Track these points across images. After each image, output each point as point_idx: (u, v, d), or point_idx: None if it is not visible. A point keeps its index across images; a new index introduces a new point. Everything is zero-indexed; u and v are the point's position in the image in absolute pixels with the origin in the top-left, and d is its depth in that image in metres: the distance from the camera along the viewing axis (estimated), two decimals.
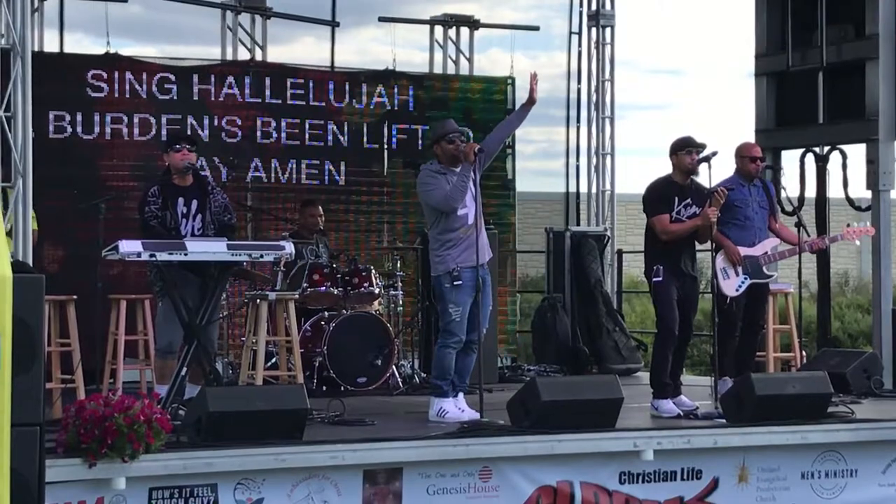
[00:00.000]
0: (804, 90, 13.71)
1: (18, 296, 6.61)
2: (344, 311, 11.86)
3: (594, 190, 15.48)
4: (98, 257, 9.24)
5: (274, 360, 11.41)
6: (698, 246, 10.33)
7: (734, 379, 10.37)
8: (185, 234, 9.52)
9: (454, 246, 9.57)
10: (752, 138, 13.84)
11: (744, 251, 10.74)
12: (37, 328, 6.86)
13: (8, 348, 6.56)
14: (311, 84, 13.98)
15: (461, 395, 9.69)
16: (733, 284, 10.70)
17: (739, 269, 10.73)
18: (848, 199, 13.58)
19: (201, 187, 9.74)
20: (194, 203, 9.65)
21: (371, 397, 11.25)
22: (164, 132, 13.03)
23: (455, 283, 9.54)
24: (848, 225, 11.30)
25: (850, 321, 23.22)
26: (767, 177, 11.21)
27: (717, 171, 10.24)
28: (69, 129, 12.86)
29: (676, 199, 10.08)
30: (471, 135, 10.22)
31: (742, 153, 10.96)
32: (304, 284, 11.56)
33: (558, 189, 15.92)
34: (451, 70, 15.02)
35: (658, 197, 10.14)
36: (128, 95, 13.11)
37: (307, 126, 13.92)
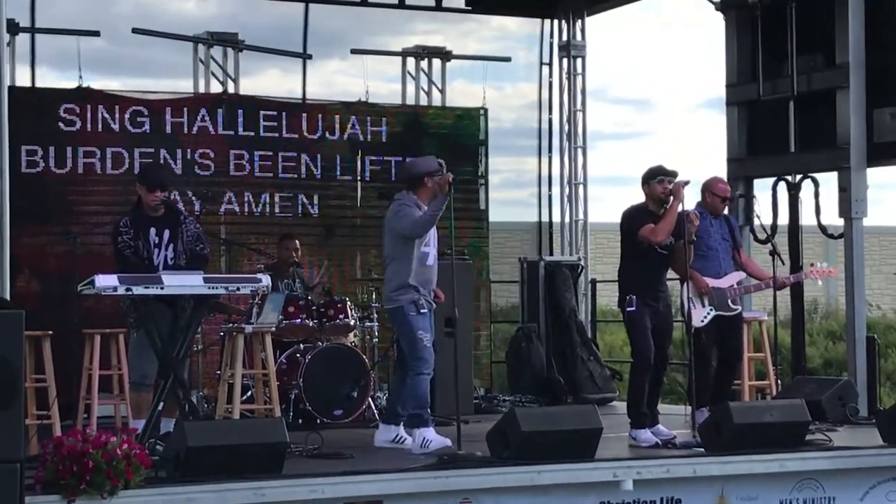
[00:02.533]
0: (775, 119, 13.74)
1: None
2: (319, 343, 11.84)
3: (567, 219, 15.53)
4: (73, 292, 9.18)
5: (249, 393, 11.36)
6: (668, 275, 10.33)
7: (710, 408, 10.38)
8: (158, 263, 9.48)
9: (416, 280, 9.73)
10: (723, 167, 13.91)
11: (711, 282, 10.77)
12: (17, 364, 6.83)
13: None
14: (283, 116, 13.97)
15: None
16: (699, 315, 10.72)
17: (706, 300, 10.75)
18: (821, 226, 13.61)
19: (173, 217, 9.71)
20: (166, 233, 9.61)
21: (348, 430, 11.21)
22: (136, 166, 12.99)
23: (421, 311, 9.71)
24: (812, 264, 11.39)
25: (821, 348, 23.29)
26: (740, 206, 11.23)
27: (689, 201, 10.30)
28: (42, 164, 12.82)
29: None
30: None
31: (712, 190, 11.01)
32: (280, 316, 11.49)
33: (525, 219, 15.95)
34: (423, 101, 15.04)
35: (636, 214, 10.08)
36: (100, 129, 13.08)
37: (280, 158, 13.91)
